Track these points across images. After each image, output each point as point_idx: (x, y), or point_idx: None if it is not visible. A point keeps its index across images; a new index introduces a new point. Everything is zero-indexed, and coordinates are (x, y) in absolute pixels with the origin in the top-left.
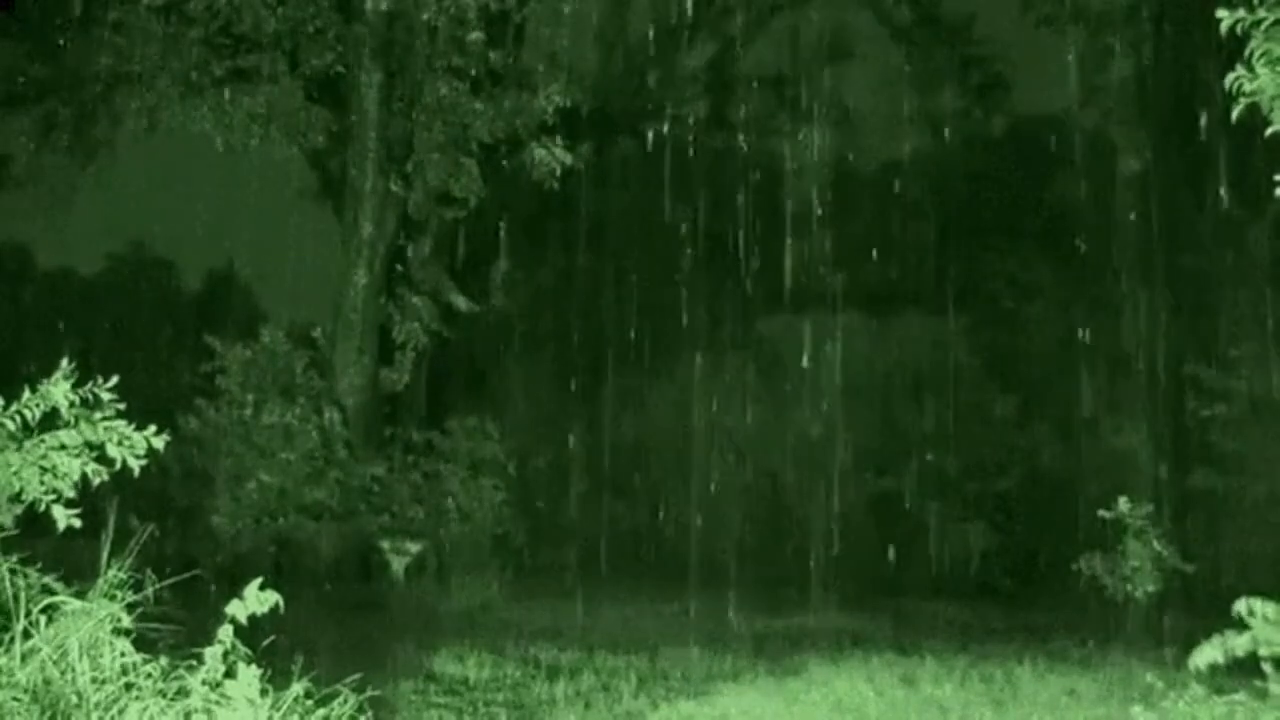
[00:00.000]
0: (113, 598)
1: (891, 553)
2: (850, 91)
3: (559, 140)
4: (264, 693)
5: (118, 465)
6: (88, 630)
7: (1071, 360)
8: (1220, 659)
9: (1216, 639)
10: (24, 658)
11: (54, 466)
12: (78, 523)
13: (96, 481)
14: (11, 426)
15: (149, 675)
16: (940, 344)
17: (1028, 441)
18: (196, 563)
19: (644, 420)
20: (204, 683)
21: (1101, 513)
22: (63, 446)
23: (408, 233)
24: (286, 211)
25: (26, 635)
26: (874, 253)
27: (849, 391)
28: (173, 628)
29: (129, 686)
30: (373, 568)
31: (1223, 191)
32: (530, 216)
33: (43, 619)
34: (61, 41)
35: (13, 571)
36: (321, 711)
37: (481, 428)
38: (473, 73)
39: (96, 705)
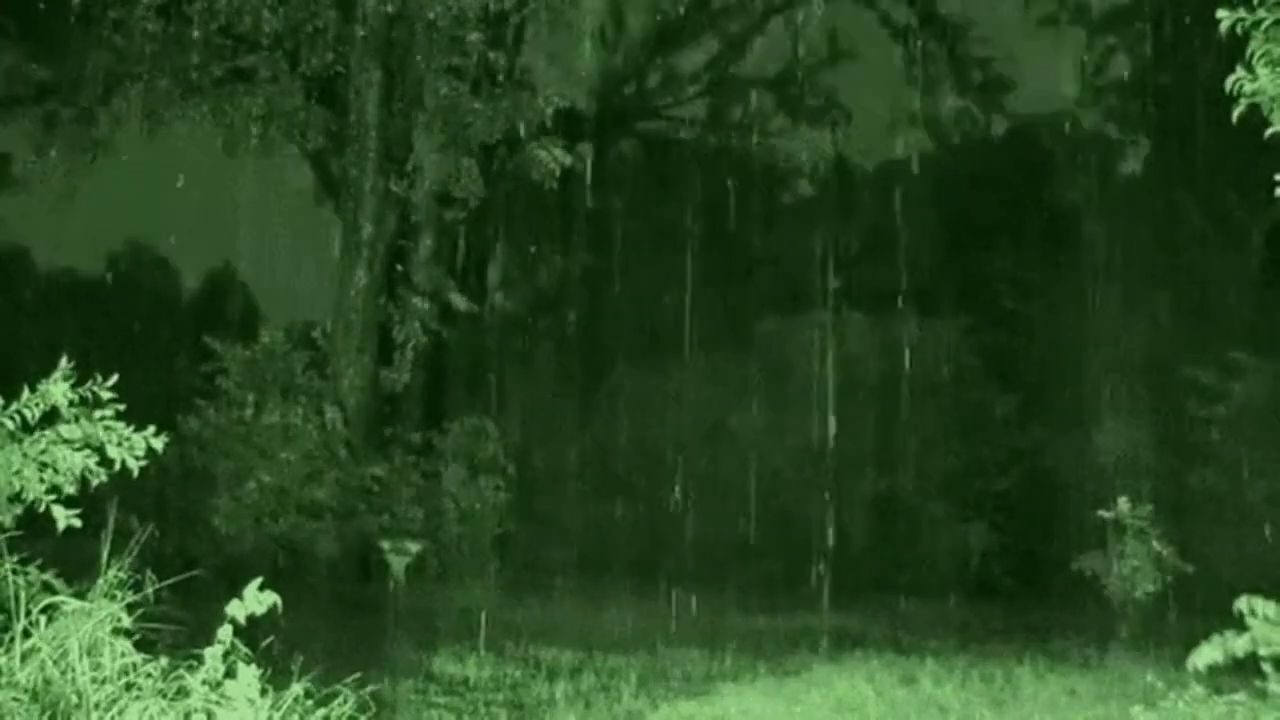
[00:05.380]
0: (113, 598)
1: (891, 552)
2: (850, 92)
3: (558, 140)
4: (264, 693)
5: (117, 466)
6: (88, 630)
7: (1071, 360)
8: (1220, 659)
9: (1216, 639)
10: (24, 658)
11: (54, 462)
12: (78, 522)
13: (96, 482)
14: (11, 426)
15: (149, 675)
16: (941, 344)
17: (1028, 441)
18: (196, 563)
19: (644, 420)
20: (204, 683)
21: (1101, 513)
22: (63, 441)
23: (408, 233)
24: (286, 211)
25: (26, 635)
26: (874, 253)
27: (849, 391)
28: (173, 628)
29: (129, 686)
30: (373, 568)
31: (1222, 192)
32: (530, 217)
33: (43, 619)
34: (61, 41)
35: (13, 571)
36: (321, 711)
37: (481, 428)
38: (473, 73)
39: (96, 705)
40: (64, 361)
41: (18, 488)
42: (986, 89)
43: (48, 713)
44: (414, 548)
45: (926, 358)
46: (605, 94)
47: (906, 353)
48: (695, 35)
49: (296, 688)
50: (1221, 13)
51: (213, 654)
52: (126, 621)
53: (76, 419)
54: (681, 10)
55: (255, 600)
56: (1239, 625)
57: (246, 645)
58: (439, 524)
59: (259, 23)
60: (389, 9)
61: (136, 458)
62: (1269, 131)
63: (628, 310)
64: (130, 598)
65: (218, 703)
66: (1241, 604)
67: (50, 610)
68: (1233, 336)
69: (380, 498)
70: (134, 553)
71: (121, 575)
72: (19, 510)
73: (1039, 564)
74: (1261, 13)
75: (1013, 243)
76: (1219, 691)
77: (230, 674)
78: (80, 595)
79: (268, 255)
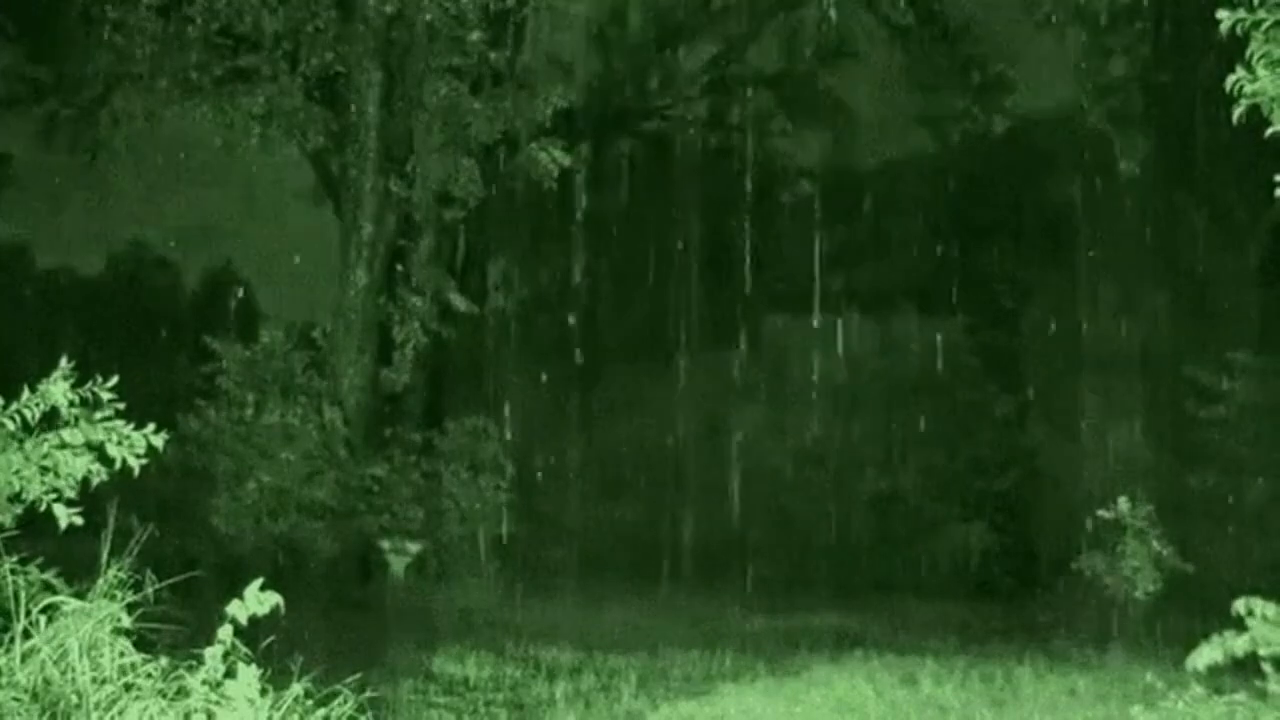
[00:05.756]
0: (113, 598)
1: (891, 552)
2: (850, 92)
3: (558, 140)
4: (264, 693)
5: (117, 465)
6: (88, 630)
7: (1071, 360)
8: (1219, 659)
9: (1215, 639)
10: (24, 658)
11: (56, 466)
12: (79, 520)
13: (96, 481)
14: (11, 426)
15: (149, 675)
16: (940, 344)
17: (1028, 441)
18: (196, 563)
19: (644, 420)
20: (204, 683)
21: (1101, 513)
22: (64, 445)
23: (408, 233)
24: (286, 211)
25: (26, 635)
26: (874, 253)
27: (849, 391)
28: (173, 628)
29: (129, 686)
30: (373, 568)
31: (1222, 192)
32: (530, 217)
33: (43, 619)
34: (61, 41)
35: (13, 571)
36: (321, 711)
37: (482, 428)
38: (473, 73)
39: (96, 705)
40: (64, 361)
41: (18, 488)
42: (986, 89)
43: (48, 713)
44: (414, 548)
45: (926, 358)
46: (605, 94)
47: (906, 352)
48: (695, 35)
49: (296, 688)
50: (1222, 13)
51: (213, 654)
52: (126, 621)
53: (76, 420)
54: (681, 10)
55: (256, 600)
56: (1239, 625)
57: (246, 645)
58: (439, 524)
59: (259, 23)
60: (389, 9)
61: (137, 456)
62: (1269, 131)
63: (628, 310)
64: (130, 598)
65: (218, 703)
66: (1241, 604)
67: (50, 610)
68: (1233, 336)
69: (380, 498)
70: (134, 553)
71: (121, 575)
72: (19, 510)
73: (1039, 564)
74: (1261, 13)
75: (1013, 243)
76: (1219, 691)
77: (230, 674)
78: (80, 595)
79: (267, 255)
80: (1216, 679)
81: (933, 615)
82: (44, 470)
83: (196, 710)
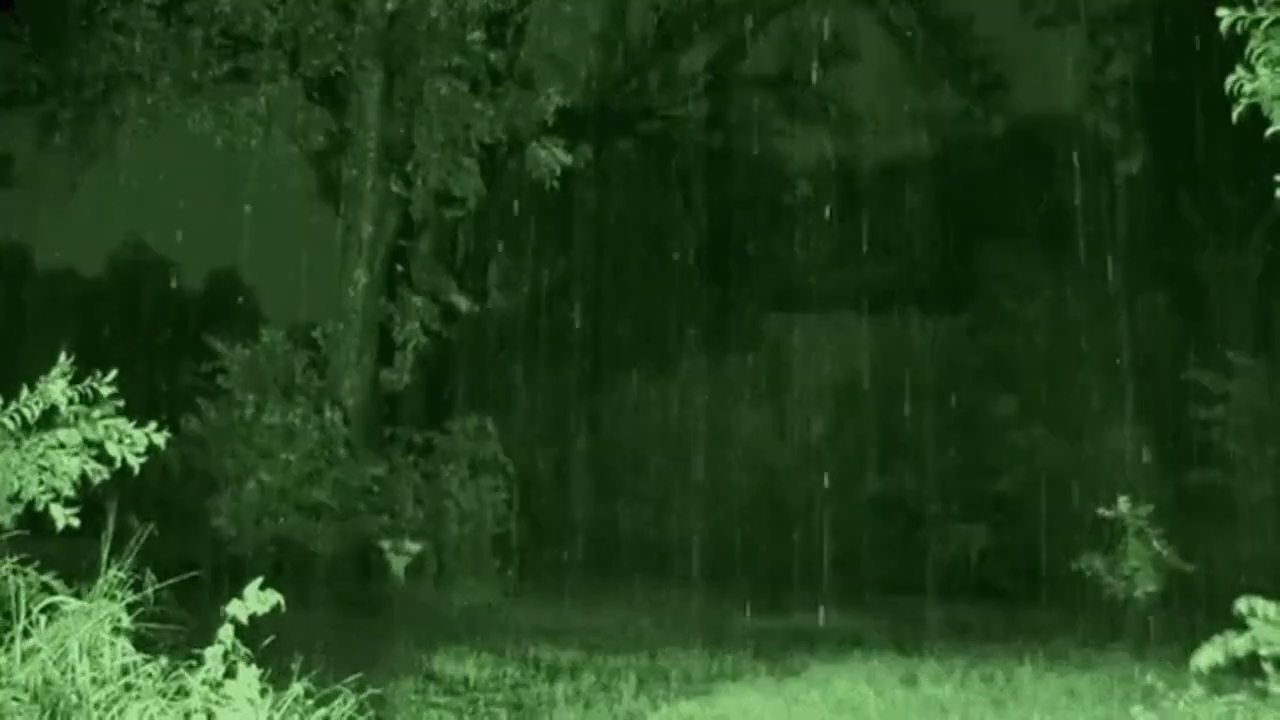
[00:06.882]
0: (113, 598)
1: (891, 552)
2: (850, 92)
3: (559, 140)
4: (264, 693)
5: (117, 463)
6: (88, 630)
7: (1071, 360)
8: (1221, 660)
9: (1217, 640)
10: (24, 658)
11: (53, 465)
12: (76, 521)
13: (97, 480)
14: (11, 426)
15: (149, 675)
16: (940, 343)
17: (1027, 441)
18: (196, 563)
19: (644, 420)
20: (204, 683)
21: (1101, 512)
22: (61, 445)
23: (408, 233)
24: (286, 211)
25: (26, 635)
26: (874, 252)
27: (849, 391)
28: (173, 628)
29: (129, 686)
30: (373, 568)
31: (1222, 193)
32: (530, 216)
33: (43, 619)
34: (61, 41)
35: (13, 571)
36: (321, 711)
37: (482, 428)
38: (473, 72)
39: (96, 705)
40: (63, 358)
41: (16, 488)
42: (986, 89)
43: (48, 713)
44: (414, 548)
45: (926, 357)
46: (605, 94)
47: (906, 352)
48: (695, 35)
49: (296, 688)
50: (1221, 12)
51: (213, 654)
52: (126, 621)
53: (75, 419)
54: (682, 10)
55: (256, 600)
56: (1239, 625)
57: (246, 645)
58: (439, 524)
59: (259, 23)
60: (389, 8)
61: (136, 454)
62: (1269, 131)
63: (628, 310)
64: (130, 598)
65: (218, 703)
66: (1242, 604)
67: (50, 610)
68: (1233, 336)
69: (380, 498)
70: (134, 553)
71: (121, 575)
72: (19, 510)
73: (1039, 564)
74: (1261, 11)
75: (1013, 242)
76: (1219, 691)
77: (230, 674)
78: (80, 595)
79: (268, 255)
80: (1217, 679)
81: (933, 615)
82: (41, 470)
83: (196, 710)
